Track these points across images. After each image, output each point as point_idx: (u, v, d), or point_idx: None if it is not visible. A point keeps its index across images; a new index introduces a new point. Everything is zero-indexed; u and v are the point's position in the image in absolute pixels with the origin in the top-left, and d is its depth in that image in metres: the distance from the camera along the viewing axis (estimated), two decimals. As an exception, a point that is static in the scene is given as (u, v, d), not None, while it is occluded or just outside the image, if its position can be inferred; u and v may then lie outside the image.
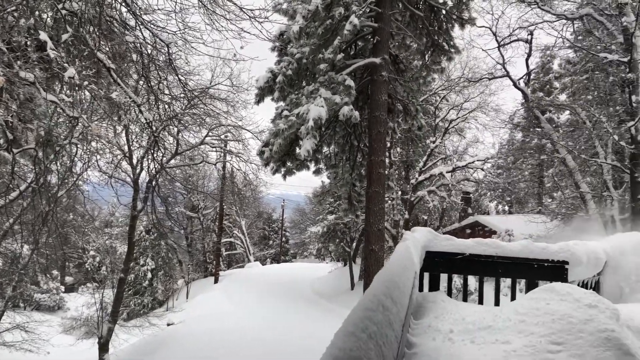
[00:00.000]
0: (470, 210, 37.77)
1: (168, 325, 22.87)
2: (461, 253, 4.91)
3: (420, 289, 4.99)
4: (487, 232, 30.23)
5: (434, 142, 33.32)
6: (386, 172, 18.92)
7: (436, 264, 4.96)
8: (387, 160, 32.43)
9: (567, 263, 4.80)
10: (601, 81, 18.59)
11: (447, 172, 33.13)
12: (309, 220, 53.34)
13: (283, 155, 16.32)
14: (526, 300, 4.09)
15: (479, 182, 36.52)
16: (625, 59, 15.42)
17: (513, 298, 5.00)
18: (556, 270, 4.80)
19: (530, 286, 4.78)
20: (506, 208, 45.75)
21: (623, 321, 4.05)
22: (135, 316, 29.49)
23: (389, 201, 33.11)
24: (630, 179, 15.85)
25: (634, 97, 15.56)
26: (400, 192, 34.20)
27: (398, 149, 35.10)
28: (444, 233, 33.59)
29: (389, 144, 31.88)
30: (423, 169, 33.51)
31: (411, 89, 18.10)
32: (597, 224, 16.80)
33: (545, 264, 4.85)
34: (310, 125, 13.63)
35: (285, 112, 14.92)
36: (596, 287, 5.55)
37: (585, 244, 5.14)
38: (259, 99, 16.38)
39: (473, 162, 33.49)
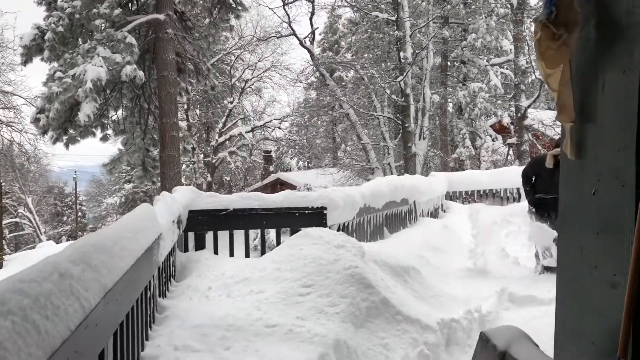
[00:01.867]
0: (272, 169, 38.68)
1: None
2: (225, 209, 4.89)
3: (186, 250, 4.87)
4: (288, 188, 31.29)
5: (231, 102, 33.14)
6: (181, 134, 18.25)
7: (200, 222, 4.87)
8: (185, 123, 31.55)
9: (325, 209, 5.07)
10: (379, 40, 20.01)
11: (247, 132, 33.38)
12: (106, 191, 50.11)
13: (64, 122, 14.80)
14: (283, 248, 4.20)
15: (278, 140, 37.46)
16: (393, 18, 16.75)
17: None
18: (316, 216, 5.04)
19: (294, 234, 4.95)
20: (306, 164, 47.77)
21: (370, 256, 4.37)
22: None
23: (190, 165, 32.42)
24: (402, 129, 17.51)
25: (402, 54, 17.07)
26: (202, 155, 33.63)
27: (197, 111, 34.32)
28: (250, 191, 33.87)
29: (186, 106, 30.95)
30: (223, 130, 33.26)
31: (201, 48, 17.60)
32: (378, 172, 18.35)
33: (306, 212, 5.06)
34: (89, 88, 12.54)
35: (59, 74, 13.48)
36: (358, 228, 6.00)
37: (343, 190, 5.47)
38: (26, 59, 14.56)
39: (271, 121, 34.17)
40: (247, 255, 5.15)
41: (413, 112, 17.52)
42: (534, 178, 6.50)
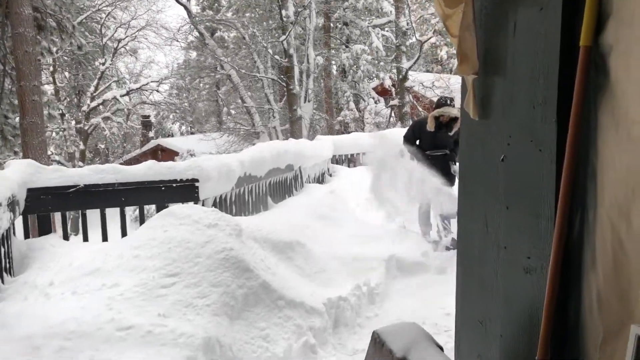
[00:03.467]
0: (152, 134, 36.73)
1: None
2: (74, 185, 4.12)
3: (27, 236, 4.08)
4: (170, 155, 29.89)
5: (103, 63, 30.67)
6: (46, 99, 16.45)
7: (44, 202, 4.07)
8: (52, 86, 28.78)
9: (197, 181, 4.46)
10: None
11: (122, 95, 31.20)
12: (-37, 163, 45.02)
13: None
14: (143, 230, 3.56)
15: (157, 104, 35.50)
16: (274, -25, 15.97)
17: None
18: (186, 190, 4.43)
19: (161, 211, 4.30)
20: (189, 129, 45.95)
21: (249, 234, 3.86)
22: None
23: (60, 132, 29.85)
24: (287, 91, 17.00)
25: (284, 12, 16.41)
26: (74, 122, 31.08)
27: (66, 74, 31.53)
28: (125, 161, 32.11)
29: (52, 68, 28.25)
30: (95, 94, 30.79)
31: (64, 3, 15.75)
32: (264, 136, 17.79)
33: (174, 185, 4.43)
34: None
35: None
36: (238, 200, 5.45)
37: (217, 158, 4.88)
38: None
39: (147, 84, 32.16)
40: (105, 239, 4.42)
41: (297, 74, 17.03)
42: (417, 142, 6.35)
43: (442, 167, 6.11)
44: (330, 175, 10.04)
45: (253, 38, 17.91)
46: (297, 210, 5.88)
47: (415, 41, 19.62)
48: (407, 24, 19.61)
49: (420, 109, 19.66)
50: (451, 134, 5.98)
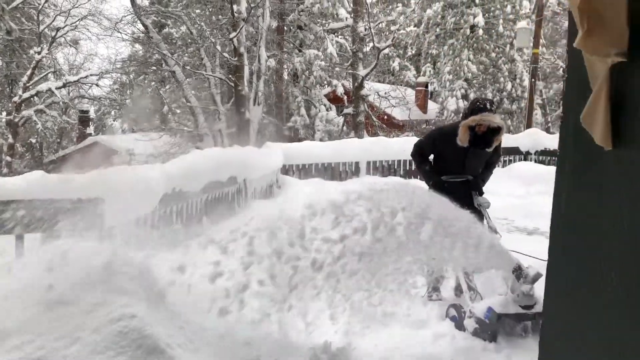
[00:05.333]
0: (91, 131, 34.69)
1: None
2: None
3: None
4: (108, 153, 28.18)
5: (39, 52, 28.54)
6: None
7: None
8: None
9: (101, 200, 3.30)
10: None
11: (57, 88, 29.12)
12: None
13: None
14: None
15: (97, 99, 33.47)
16: (227, -33, 14.82)
17: None
18: (84, 212, 3.24)
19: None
20: (132, 127, 43.96)
21: (167, 283, 2.72)
22: None
23: (-13, 123, 27.77)
24: (235, 92, 15.82)
25: (235, 7, 15.26)
26: (4, 113, 29.08)
27: (-3, 61, 29.53)
28: (59, 157, 30.11)
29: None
30: (29, 84, 28.63)
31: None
32: (208, 139, 16.54)
33: (69, 206, 3.23)
34: None
35: None
36: (162, 223, 4.27)
37: (134, 170, 3.73)
38: None
39: (87, 77, 30.19)
40: None
41: (247, 74, 15.88)
42: (433, 158, 4.77)
43: (462, 199, 4.36)
44: (279, 187, 8.97)
45: (201, 33, 16.63)
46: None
47: (373, 48, 18.84)
48: (366, 29, 18.81)
49: (374, 118, 18.88)
50: (489, 150, 4.35)
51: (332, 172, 10.28)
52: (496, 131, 4.22)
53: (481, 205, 4.48)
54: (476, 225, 3.84)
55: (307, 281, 4.65)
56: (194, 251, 3.36)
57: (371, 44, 18.96)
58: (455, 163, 4.48)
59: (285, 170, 9.76)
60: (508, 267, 3.64)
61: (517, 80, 26.09)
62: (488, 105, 4.23)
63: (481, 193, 4.61)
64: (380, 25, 22.85)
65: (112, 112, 41.35)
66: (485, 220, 4.42)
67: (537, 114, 27.29)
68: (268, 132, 19.94)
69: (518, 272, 3.58)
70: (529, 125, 17.83)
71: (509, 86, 25.95)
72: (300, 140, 17.51)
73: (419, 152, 4.76)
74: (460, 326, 3.84)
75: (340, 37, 22.87)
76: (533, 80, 18.05)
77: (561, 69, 28.87)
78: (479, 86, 25.92)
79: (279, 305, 3.99)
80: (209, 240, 3.88)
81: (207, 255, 3.38)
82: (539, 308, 3.44)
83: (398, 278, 5.11)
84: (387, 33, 25.90)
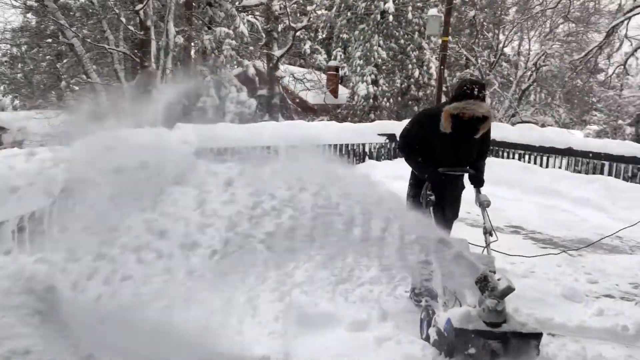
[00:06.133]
0: (-25, 106, 31.68)
1: None
2: None
3: None
4: (-5, 132, 25.73)
5: None
6: None
7: None
8: None
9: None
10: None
11: None
12: None
13: None
14: None
15: (-16, 72, 30.53)
16: None
17: None
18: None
19: None
20: (25, 104, 40.67)
21: None
22: None
23: None
24: (141, 68, 14.80)
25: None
26: None
27: None
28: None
29: None
30: None
31: None
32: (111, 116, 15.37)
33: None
34: None
35: None
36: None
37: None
38: None
39: (-31, 47, 27.36)
40: None
41: (154, 50, 14.89)
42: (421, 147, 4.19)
43: (454, 192, 4.25)
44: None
45: (103, 4, 15.36)
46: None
47: (288, 28, 18.35)
48: (281, 8, 18.28)
49: (289, 101, 18.47)
50: (477, 136, 3.90)
51: (249, 156, 9.82)
52: (482, 120, 3.77)
53: (481, 204, 4.03)
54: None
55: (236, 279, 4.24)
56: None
57: (286, 23, 18.43)
58: (447, 151, 4.02)
59: (199, 154, 9.18)
60: (470, 276, 3.16)
61: (425, 68, 26.67)
62: (475, 92, 3.70)
63: (479, 189, 4.19)
64: (295, 5, 22.36)
65: (1, 87, 38.01)
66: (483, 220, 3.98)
67: (443, 100, 28.18)
68: (176, 112, 18.96)
69: (483, 283, 3.09)
70: (437, 112, 18.24)
71: (416, 73, 26.47)
72: (210, 122, 16.77)
73: (406, 143, 4.27)
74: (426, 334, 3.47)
75: (250, 16, 22.16)
76: (442, 67, 18.42)
77: (464, 58, 29.90)
78: (388, 72, 26.22)
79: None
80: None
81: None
82: (509, 327, 3.03)
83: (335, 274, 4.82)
84: (299, 15, 25.49)
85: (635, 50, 20.71)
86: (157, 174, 6.05)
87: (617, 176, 9.70)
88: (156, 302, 3.46)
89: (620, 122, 33.35)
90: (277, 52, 18.62)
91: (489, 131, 4.02)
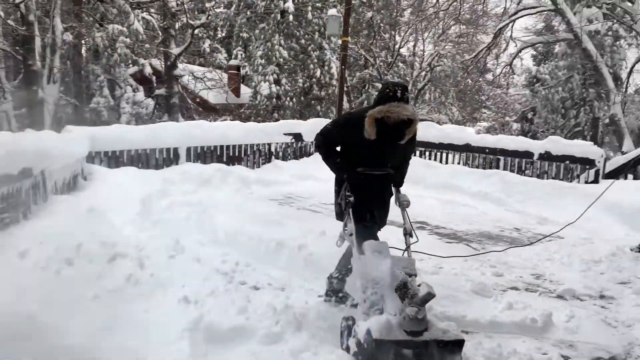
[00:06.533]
0: None
1: None
2: None
3: None
4: None
5: None
6: None
7: None
8: None
9: None
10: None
11: None
12: None
13: None
14: None
15: None
16: None
17: None
18: None
19: None
20: None
21: None
22: None
23: None
24: (24, 68, 13.63)
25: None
26: None
27: None
28: None
29: None
30: None
31: None
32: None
33: None
34: None
35: None
36: None
37: None
38: None
39: None
40: None
41: (39, 47, 13.76)
42: (342, 148, 4.04)
43: (378, 194, 4.02)
44: (85, 179, 7.77)
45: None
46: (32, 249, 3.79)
47: (186, 25, 17.69)
48: (178, 4, 17.58)
49: (189, 101, 17.83)
50: (402, 142, 3.71)
51: (148, 159, 9.27)
52: (408, 123, 3.59)
53: (401, 204, 3.95)
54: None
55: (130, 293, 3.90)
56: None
57: (184, 21, 17.76)
58: (370, 157, 3.83)
59: (92, 158, 8.53)
60: (389, 283, 3.03)
61: (326, 68, 26.88)
62: (398, 94, 3.54)
63: (398, 189, 4.12)
64: (192, 2, 21.62)
65: None
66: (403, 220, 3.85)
67: (345, 100, 28.54)
68: (66, 114, 17.71)
69: (402, 290, 2.96)
70: (339, 111, 18.33)
71: (318, 73, 26.62)
72: (105, 124, 15.80)
73: (324, 142, 4.04)
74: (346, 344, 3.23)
75: (146, 13, 21.19)
76: (343, 67, 18.61)
77: (363, 58, 30.52)
78: (290, 72, 26.17)
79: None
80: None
81: None
82: (430, 335, 2.89)
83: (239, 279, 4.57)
84: (197, 12, 24.77)
85: (520, 51, 22.09)
86: (42, 182, 5.52)
87: (511, 170, 10.22)
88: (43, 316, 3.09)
89: (507, 118, 35.61)
90: (174, 50, 17.90)
91: (414, 137, 3.86)
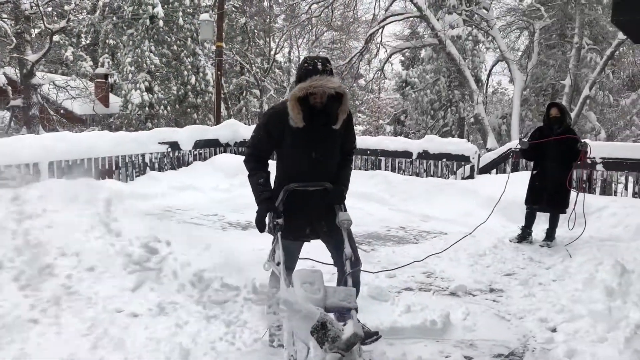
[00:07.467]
0: None
1: None
2: None
3: None
4: None
5: None
6: None
7: None
8: None
9: None
10: None
11: None
12: None
13: None
14: None
15: None
16: None
17: None
18: None
19: None
20: None
21: None
22: None
23: None
24: None
25: None
26: None
27: None
28: None
29: None
30: None
31: None
32: None
33: None
34: None
35: None
36: None
37: None
38: None
39: None
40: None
41: None
42: (275, 153, 3.45)
43: (315, 216, 3.41)
44: None
45: None
46: None
47: (44, 30, 16.22)
48: (32, 7, 16.05)
49: (51, 112, 16.35)
50: (336, 127, 3.26)
51: (2, 178, 8.23)
52: (337, 99, 3.11)
53: (341, 224, 3.34)
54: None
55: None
56: None
57: (41, 27, 16.26)
58: (301, 156, 3.27)
59: None
60: (304, 323, 2.31)
61: (201, 75, 26.15)
62: (319, 66, 3.03)
63: (342, 206, 3.47)
64: (48, 5, 19.92)
65: None
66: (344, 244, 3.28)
67: (222, 107, 27.89)
68: None
69: (321, 332, 2.27)
70: (217, 118, 17.83)
71: (193, 80, 25.82)
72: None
73: (253, 154, 3.40)
74: None
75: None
76: (219, 73, 18.15)
77: (239, 64, 30.13)
78: (163, 79, 25.14)
79: None
80: None
81: None
82: None
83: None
84: (57, 17, 22.97)
85: (390, 56, 22.97)
86: None
87: (393, 170, 10.44)
88: None
89: (381, 121, 37.06)
90: (31, 57, 16.31)
91: (350, 120, 3.37)
